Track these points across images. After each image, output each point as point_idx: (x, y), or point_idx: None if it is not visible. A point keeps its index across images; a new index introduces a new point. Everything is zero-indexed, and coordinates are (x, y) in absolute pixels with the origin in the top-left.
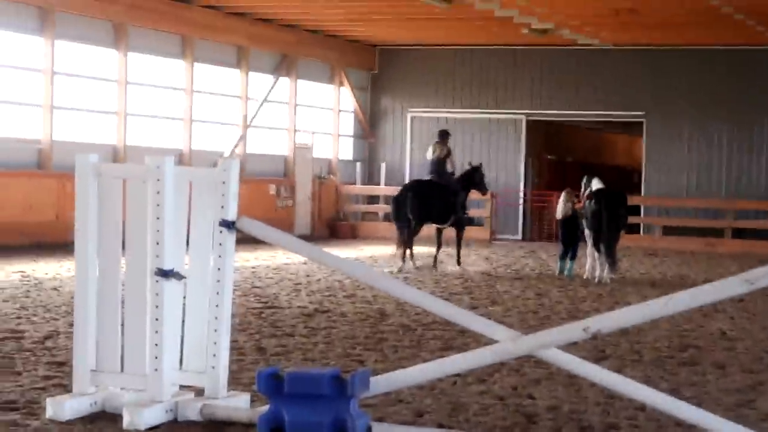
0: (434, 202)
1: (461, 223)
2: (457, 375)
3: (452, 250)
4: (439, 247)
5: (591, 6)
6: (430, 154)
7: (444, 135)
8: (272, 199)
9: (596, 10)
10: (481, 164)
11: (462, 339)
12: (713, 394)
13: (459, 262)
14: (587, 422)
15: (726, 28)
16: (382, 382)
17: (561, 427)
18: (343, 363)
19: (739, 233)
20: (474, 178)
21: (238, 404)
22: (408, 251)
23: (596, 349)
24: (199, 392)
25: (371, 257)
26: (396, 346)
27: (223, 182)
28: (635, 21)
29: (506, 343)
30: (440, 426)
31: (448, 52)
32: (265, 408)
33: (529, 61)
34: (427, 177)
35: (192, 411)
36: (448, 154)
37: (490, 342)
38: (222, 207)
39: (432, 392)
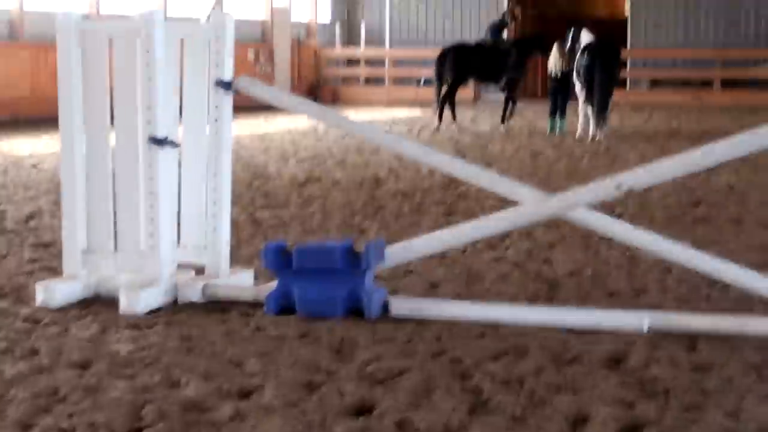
0: (478, 60)
1: (511, 84)
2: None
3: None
4: (505, 109)
5: None
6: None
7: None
8: (251, 65)
9: None
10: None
11: (464, 203)
12: (738, 253)
13: (503, 120)
14: (613, 287)
15: None
16: (398, 252)
17: (587, 294)
18: (344, 233)
19: (727, 84)
20: (535, 42)
21: (242, 282)
22: (444, 111)
23: (604, 209)
24: (199, 271)
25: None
26: (396, 213)
27: (218, 38)
28: None
29: (534, 204)
30: (459, 297)
31: None
32: (273, 285)
33: None
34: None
35: (193, 292)
36: (507, 23)
37: (493, 206)
38: (218, 65)
39: (443, 261)
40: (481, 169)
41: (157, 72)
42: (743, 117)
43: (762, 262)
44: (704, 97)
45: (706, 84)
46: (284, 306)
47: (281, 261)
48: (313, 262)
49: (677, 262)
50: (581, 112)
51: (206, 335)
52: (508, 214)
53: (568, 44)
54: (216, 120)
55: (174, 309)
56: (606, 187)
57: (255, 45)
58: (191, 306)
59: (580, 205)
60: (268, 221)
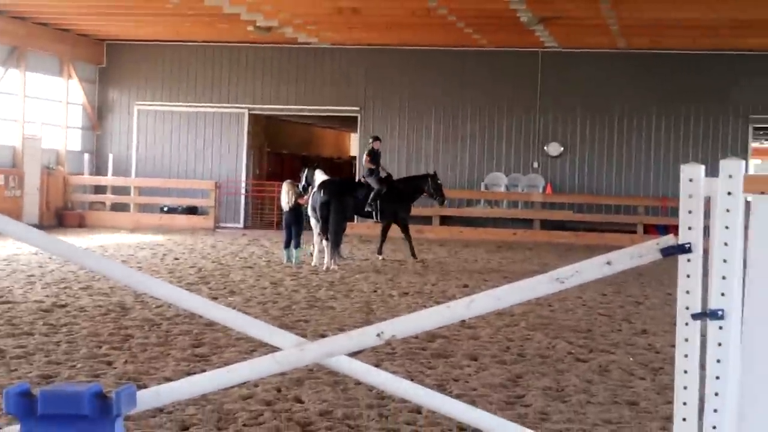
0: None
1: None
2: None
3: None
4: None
5: (316, 4)
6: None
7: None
8: (1, 189)
9: (321, 9)
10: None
11: (212, 333)
12: (480, 391)
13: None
14: (365, 429)
15: (439, 29)
16: (149, 397)
17: None
18: (91, 366)
19: (445, 220)
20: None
21: None
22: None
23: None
24: None
25: (102, 246)
26: (144, 344)
27: None
28: (356, 21)
29: (292, 350)
30: None
31: (175, 48)
32: (15, 430)
33: (253, 58)
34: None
35: None
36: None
37: (239, 336)
38: None
39: (193, 398)
40: (232, 311)
41: None
42: (459, 250)
43: (507, 401)
44: (425, 231)
45: (427, 219)
46: None
47: (24, 405)
48: (59, 408)
49: (427, 406)
50: (316, 244)
51: None
52: (265, 360)
53: (303, 182)
54: None
55: None
56: (367, 334)
57: (5, 170)
58: None
59: (340, 352)
60: (12, 351)
